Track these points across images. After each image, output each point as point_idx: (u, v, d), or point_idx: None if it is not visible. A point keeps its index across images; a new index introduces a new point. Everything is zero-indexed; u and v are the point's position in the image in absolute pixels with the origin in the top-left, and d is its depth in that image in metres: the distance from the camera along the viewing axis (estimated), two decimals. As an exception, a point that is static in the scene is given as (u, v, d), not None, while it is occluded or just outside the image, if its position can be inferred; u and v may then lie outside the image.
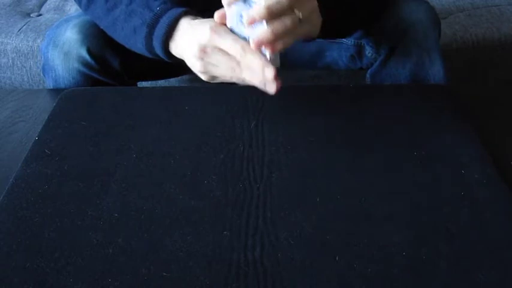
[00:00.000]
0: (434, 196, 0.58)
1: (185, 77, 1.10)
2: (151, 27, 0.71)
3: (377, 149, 0.65)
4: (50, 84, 0.86)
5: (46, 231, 0.54)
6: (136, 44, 0.74)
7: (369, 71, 0.93)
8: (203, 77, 0.70)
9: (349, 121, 0.70)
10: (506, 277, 0.50)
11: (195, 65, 0.68)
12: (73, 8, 1.38)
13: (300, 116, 0.67)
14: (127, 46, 0.77)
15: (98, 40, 0.81)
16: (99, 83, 0.84)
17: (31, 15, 1.35)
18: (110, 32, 0.78)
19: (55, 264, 0.51)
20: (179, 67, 0.74)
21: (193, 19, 0.70)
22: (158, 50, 0.72)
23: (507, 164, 0.64)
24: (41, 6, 1.40)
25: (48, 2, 1.42)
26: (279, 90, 0.62)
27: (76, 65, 0.82)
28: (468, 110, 0.72)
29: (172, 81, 1.11)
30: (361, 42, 0.91)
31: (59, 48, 0.82)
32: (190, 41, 0.68)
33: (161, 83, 1.03)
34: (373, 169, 0.62)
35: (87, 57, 0.81)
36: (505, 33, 1.23)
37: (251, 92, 0.76)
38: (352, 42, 0.92)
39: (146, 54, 0.75)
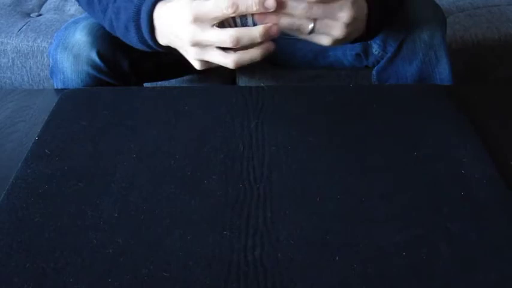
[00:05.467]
0: (434, 196, 0.58)
1: (185, 77, 1.10)
2: (137, 20, 0.70)
3: (377, 149, 0.65)
4: (58, 86, 0.85)
5: (46, 231, 0.54)
6: (132, 41, 0.74)
7: (375, 69, 0.93)
8: (196, 66, 0.69)
9: (349, 121, 0.70)
10: (506, 277, 0.50)
11: (187, 53, 0.68)
12: (73, 8, 1.38)
13: (300, 116, 0.67)
14: (130, 44, 0.77)
15: (108, 42, 0.81)
16: (107, 85, 0.84)
17: (31, 15, 1.35)
18: (113, 34, 0.78)
19: (55, 264, 0.51)
20: (185, 67, 0.73)
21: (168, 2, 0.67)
22: (151, 43, 0.71)
23: (507, 164, 0.64)
24: (41, 6, 1.40)
25: (48, 2, 1.42)
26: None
27: (85, 67, 0.81)
28: (468, 110, 0.72)
29: (172, 81, 1.11)
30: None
31: (68, 51, 0.82)
32: (174, 33, 0.66)
33: (161, 82, 1.03)
34: (373, 169, 0.62)
35: (97, 59, 0.81)
36: (505, 33, 1.23)
37: (251, 92, 0.76)
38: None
39: (145, 49, 0.74)
